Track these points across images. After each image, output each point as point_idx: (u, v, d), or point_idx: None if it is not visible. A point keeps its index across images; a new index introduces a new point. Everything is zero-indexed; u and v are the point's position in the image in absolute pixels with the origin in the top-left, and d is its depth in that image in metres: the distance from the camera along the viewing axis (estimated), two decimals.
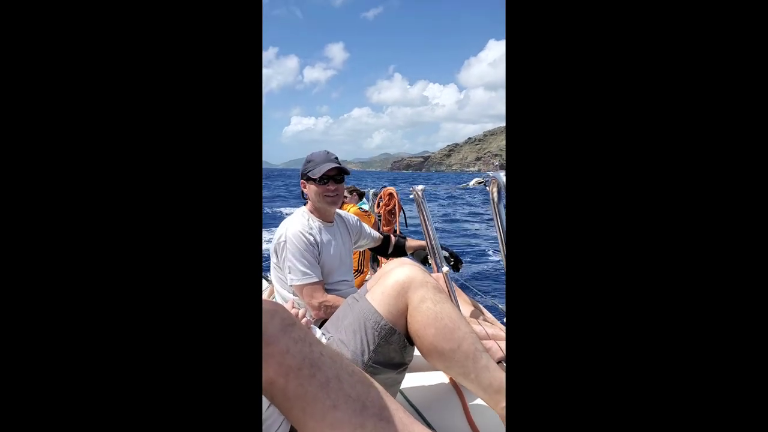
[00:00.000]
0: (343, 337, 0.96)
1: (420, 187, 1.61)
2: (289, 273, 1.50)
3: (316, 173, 1.54)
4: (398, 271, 1.01)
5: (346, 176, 1.61)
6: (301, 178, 1.63)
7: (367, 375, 0.70)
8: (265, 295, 2.45)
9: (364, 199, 3.33)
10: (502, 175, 0.95)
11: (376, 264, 2.75)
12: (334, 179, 1.56)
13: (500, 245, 1.01)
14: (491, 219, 1.12)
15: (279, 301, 1.65)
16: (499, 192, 0.96)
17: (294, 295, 1.57)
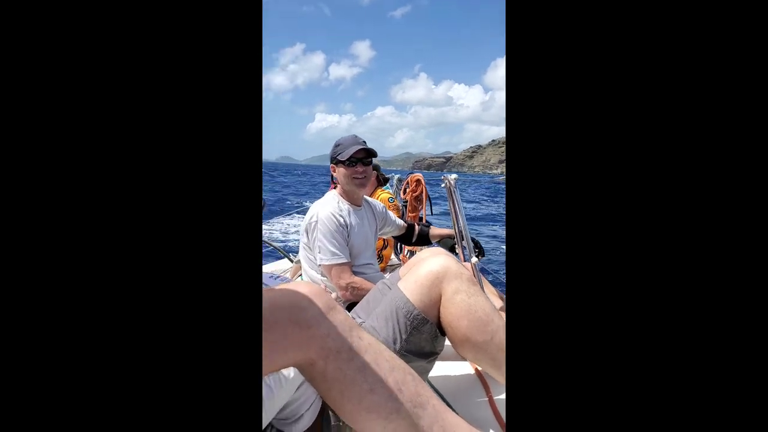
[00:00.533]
0: (375, 323, 0.96)
1: (453, 176, 1.60)
2: (319, 252, 1.52)
3: (345, 156, 1.55)
4: (432, 261, 1.00)
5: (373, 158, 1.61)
6: (331, 162, 1.64)
7: (403, 362, 0.71)
8: (289, 275, 2.50)
9: (388, 185, 3.33)
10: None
11: (399, 253, 2.76)
12: (362, 161, 1.56)
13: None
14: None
15: (306, 280, 1.67)
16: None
17: (322, 275, 1.59)
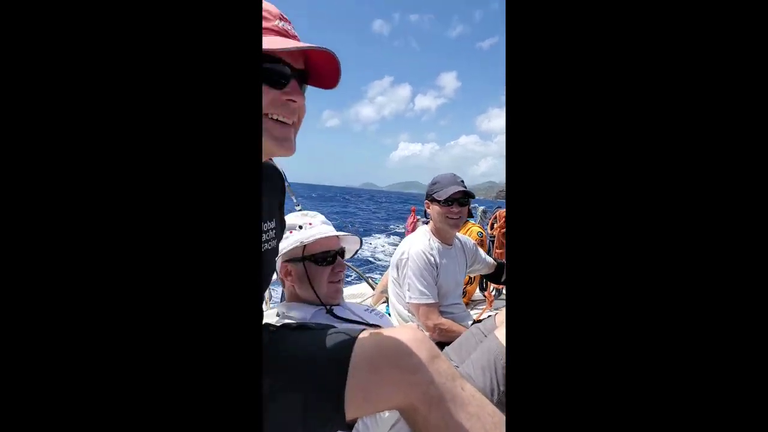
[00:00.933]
0: (470, 371, 0.95)
1: None
2: (408, 290, 1.54)
3: (442, 195, 1.56)
4: None
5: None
6: (426, 199, 1.67)
7: (504, 416, 0.69)
8: (370, 302, 2.55)
9: (472, 217, 3.27)
10: None
11: (483, 290, 2.68)
12: (458, 202, 1.56)
13: None
14: None
15: (393, 315, 1.70)
16: None
17: (409, 312, 1.61)
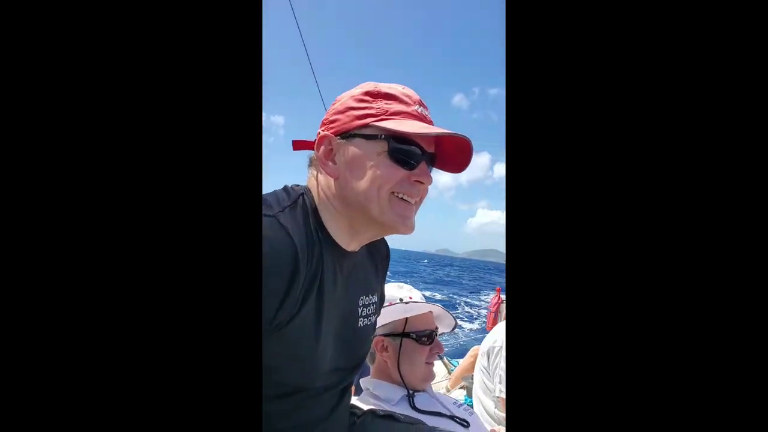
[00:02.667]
0: None
1: None
2: (500, 383, 1.40)
3: None
4: None
5: None
6: None
7: None
8: (445, 385, 2.36)
9: None
10: None
11: None
12: None
13: None
14: None
15: (477, 407, 1.54)
16: None
17: (496, 407, 1.44)
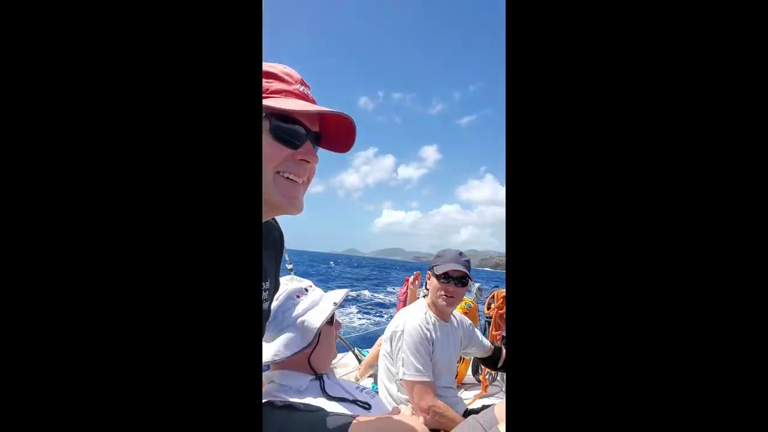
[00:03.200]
0: None
1: None
2: (402, 366, 1.46)
3: (440, 269, 1.54)
4: None
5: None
6: (428, 269, 1.65)
7: None
8: (355, 375, 2.41)
9: (467, 292, 3.21)
10: None
11: (476, 373, 2.55)
12: (454, 281, 1.53)
13: None
14: None
15: (382, 393, 1.59)
16: None
17: (399, 390, 1.51)
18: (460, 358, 2.39)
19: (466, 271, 1.54)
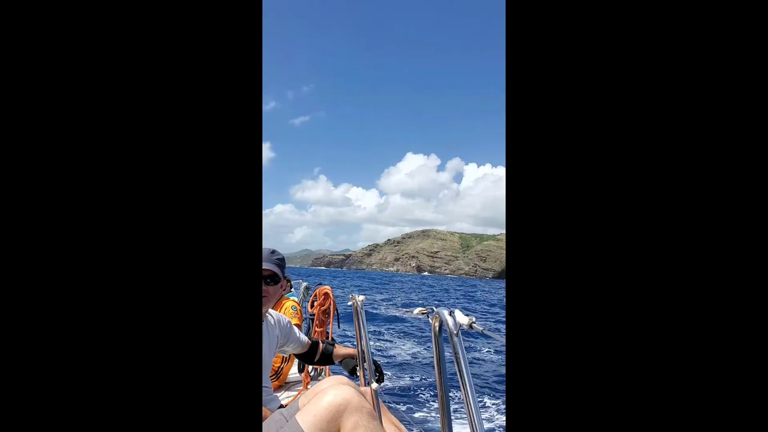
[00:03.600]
0: None
1: (361, 297, 1.65)
2: None
3: None
4: (333, 392, 0.99)
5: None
6: None
7: None
8: None
9: (293, 290, 3.23)
10: (445, 312, 0.83)
11: (301, 371, 2.58)
12: (264, 279, 1.48)
13: (436, 377, 0.90)
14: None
15: None
16: (440, 326, 0.85)
17: None
18: (287, 357, 2.39)
19: (276, 270, 1.52)
